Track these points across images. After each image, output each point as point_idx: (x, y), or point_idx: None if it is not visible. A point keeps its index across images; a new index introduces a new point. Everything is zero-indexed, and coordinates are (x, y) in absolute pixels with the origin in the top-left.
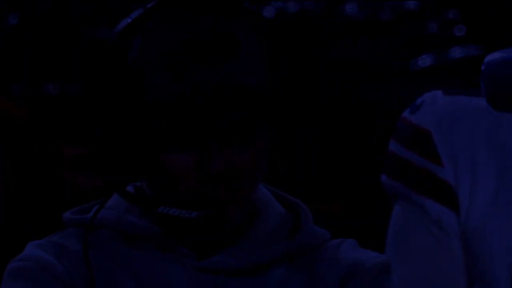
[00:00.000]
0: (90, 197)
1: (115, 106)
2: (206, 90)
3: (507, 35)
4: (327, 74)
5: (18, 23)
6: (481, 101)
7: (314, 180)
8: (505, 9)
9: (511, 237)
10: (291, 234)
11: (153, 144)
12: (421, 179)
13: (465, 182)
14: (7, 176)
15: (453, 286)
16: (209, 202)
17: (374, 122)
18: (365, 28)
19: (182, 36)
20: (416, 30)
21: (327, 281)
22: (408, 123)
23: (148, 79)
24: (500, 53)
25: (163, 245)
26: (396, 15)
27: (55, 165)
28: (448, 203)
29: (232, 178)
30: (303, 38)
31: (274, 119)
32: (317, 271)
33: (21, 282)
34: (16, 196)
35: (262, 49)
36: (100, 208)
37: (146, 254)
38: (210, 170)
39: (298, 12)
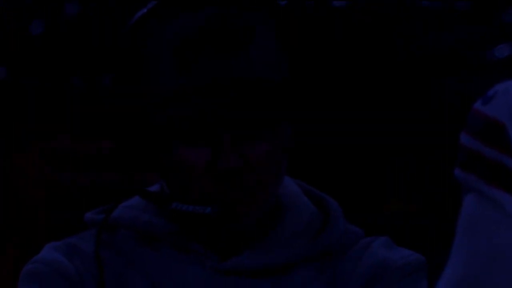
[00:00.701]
0: (73, 196)
1: (127, 99)
2: (219, 82)
3: None
4: (404, 67)
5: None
6: None
7: (388, 178)
8: None
9: None
10: (319, 232)
11: (165, 138)
12: (494, 172)
13: None
14: None
15: None
16: (221, 200)
17: (454, 115)
18: (442, 19)
19: (195, 26)
20: (494, 19)
21: (351, 282)
22: (480, 115)
23: (160, 70)
24: None
25: (180, 245)
26: (473, 4)
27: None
28: None
29: (245, 175)
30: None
31: (291, 114)
32: (342, 272)
33: (32, 285)
34: None
35: (278, 38)
36: (114, 207)
37: (163, 255)
38: (222, 166)
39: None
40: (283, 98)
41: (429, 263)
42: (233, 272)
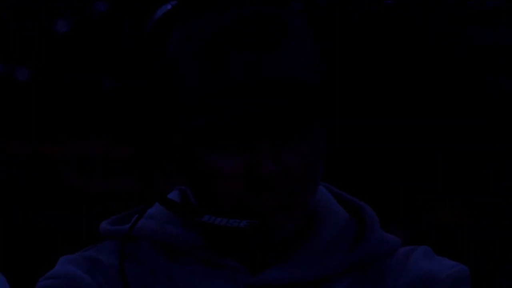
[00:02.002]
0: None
1: (154, 102)
2: (253, 82)
3: None
4: (461, 62)
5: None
6: None
7: (438, 186)
8: None
9: None
10: (355, 242)
11: (195, 143)
12: None
13: None
14: None
15: None
16: (257, 210)
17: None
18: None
19: (227, 23)
20: None
21: None
22: None
23: (190, 70)
24: None
25: (208, 259)
26: None
27: None
28: None
29: (282, 182)
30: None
31: (328, 115)
32: (383, 284)
33: None
34: None
35: (314, 36)
36: (140, 218)
37: (190, 269)
38: (259, 173)
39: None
40: (320, 101)
41: (473, 274)
42: (268, 287)
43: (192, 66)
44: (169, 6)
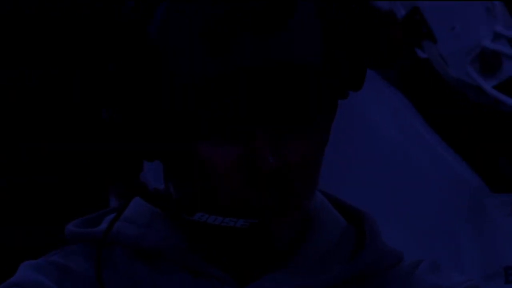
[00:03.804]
0: None
1: (139, 89)
2: (253, 66)
3: None
4: None
5: None
6: None
7: None
8: None
9: None
10: (354, 253)
11: (186, 133)
12: None
13: None
14: None
15: None
16: (255, 209)
17: None
18: None
19: (224, 4)
20: None
21: None
22: None
23: (179, 52)
24: None
25: (193, 267)
26: None
27: None
28: None
29: (283, 178)
30: None
31: (334, 105)
32: None
33: None
34: None
35: (323, 16)
36: (116, 219)
37: (172, 278)
38: (257, 167)
39: None
40: (328, 89)
41: None
42: None
43: (186, 48)
44: None
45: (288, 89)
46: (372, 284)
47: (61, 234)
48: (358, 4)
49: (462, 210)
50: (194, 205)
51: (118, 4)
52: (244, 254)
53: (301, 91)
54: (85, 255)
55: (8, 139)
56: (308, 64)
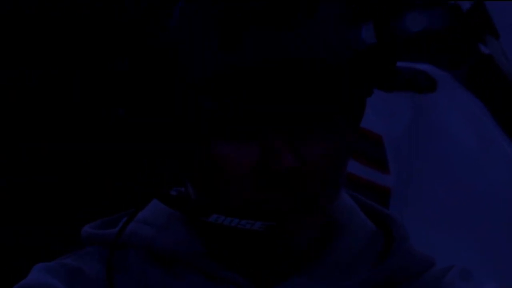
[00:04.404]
0: None
1: (153, 87)
2: (271, 61)
3: None
4: None
5: None
6: None
7: None
8: None
9: None
10: (382, 257)
11: (201, 132)
12: None
13: None
14: None
15: None
16: (272, 211)
17: None
18: None
19: None
20: None
21: None
22: None
23: (194, 47)
24: None
25: (210, 272)
26: None
27: None
28: None
29: (302, 179)
30: None
31: (358, 103)
32: None
33: None
34: None
35: (348, 9)
36: (130, 220)
37: (187, 283)
38: (275, 168)
39: None
40: (350, 85)
41: None
42: None
43: (200, 41)
44: None
45: (308, 85)
46: None
47: (61, 234)
48: None
49: None
50: (210, 207)
51: (118, 4)
52: (262, 258)
53: (322, 87)
54: (98, 258)
55: (8, 139)
56: (330, 58)
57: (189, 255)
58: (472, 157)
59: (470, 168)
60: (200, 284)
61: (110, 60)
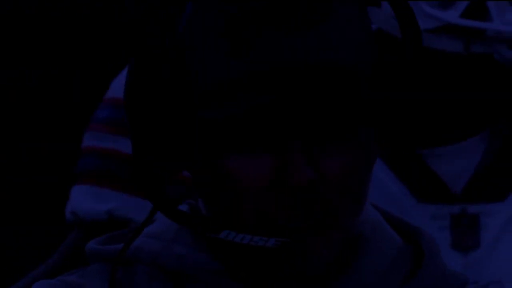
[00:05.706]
0: None
1: (161, 95)
2: (285, 68)
3: None
4: None
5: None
6: None
7: None
8: None
9: None
10: (411, 275)
11: (211, 143)
12: None
13: None
14: None
15: None
16: (287, 227)
17: None
18: None
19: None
20: None
21: None
22: None
23: (207, 51)
24: None
25: None
26: None
27: None
28: None
29: (320, 194)
30: None
31: (379, 113)
32: None
33: None
34: None
35: (365, 14)
36: (135, 236)
37: None
38: (292, 182)
39: None
40: (370, 93)
41: None
42: None
43: (210, 46)
44: None
45: (328, 94)
46: None
47: (61, 234)
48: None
49: None
50: (220, 222)
51: (118, 4)
52: (277, 276)
53: (342, 97)
54: (102, 275)
55: (8, 139)
56: (350, 66)
57: (197, 270)
58: None
59: None
60: None
61: (110, 62)
